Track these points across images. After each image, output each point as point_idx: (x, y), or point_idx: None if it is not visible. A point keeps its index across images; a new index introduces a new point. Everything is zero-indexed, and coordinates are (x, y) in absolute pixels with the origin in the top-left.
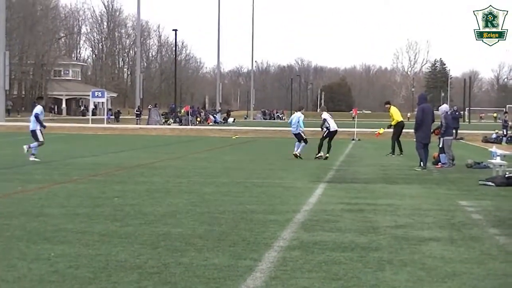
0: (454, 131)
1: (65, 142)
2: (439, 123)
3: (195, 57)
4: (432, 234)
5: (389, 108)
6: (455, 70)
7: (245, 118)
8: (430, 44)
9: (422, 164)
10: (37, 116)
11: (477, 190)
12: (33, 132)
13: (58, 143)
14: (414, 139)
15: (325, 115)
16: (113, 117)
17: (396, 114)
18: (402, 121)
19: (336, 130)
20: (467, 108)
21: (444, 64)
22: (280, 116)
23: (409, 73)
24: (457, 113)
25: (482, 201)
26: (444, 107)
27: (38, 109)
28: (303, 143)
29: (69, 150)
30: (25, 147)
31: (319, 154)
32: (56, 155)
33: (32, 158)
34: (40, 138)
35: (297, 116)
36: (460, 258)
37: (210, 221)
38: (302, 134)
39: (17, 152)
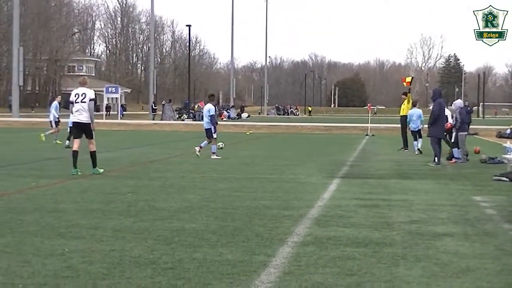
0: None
1: None
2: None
3: (209, 52)
4: (446, 229)
5: (405, 99)
6: (469, 65)
7: (259, 114)
8: (444, 39)
9: (436, 160)
10: (212, 116)
11: (491, 186)
12: (208, 130)
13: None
14: (427, 135)
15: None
16: (125, 112)
17: (407, 107)
18: (406, 115)
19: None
20: (481, 104)
21: (458, 60)
22: (294, 111)
23: (423, 68)
24: (468, 108)
25: (496, 197)
26: (459, 102)
27: (212, 109)
28: (420, 140)
29: (83, 146)
30: (196, 148)
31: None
32: (70, 150)
33: (214, 157)
34: (215, 136)
35: (418, 113)
36: (474, 254)
37: (224, 216)
38: (422, 132)
39: (31, 147)
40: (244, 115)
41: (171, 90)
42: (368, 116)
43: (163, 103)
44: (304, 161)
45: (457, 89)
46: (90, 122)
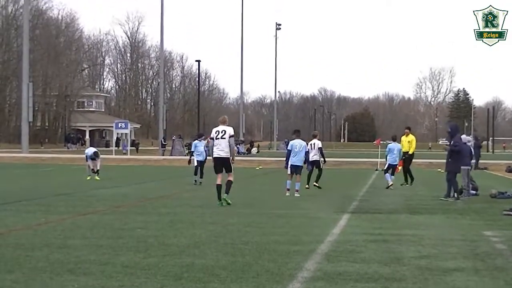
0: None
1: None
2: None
3: (219, 87)
4: (456, 264)
5: (408, 134)
6: (479, 100)
7: (269, 149)
8: (454, 73)
9: (455, 195)
10: (308, 152)
11: (501, 220)
12: (301, 168)
13: (81, 174)
14: (445, 169)
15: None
16: (133, 147)
17: (414, 144)
18: (406, 151)
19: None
20: (490, 138)
21: (468, 94)
22: None
23: (432, 103)
24: (471, 142)
25: (507, 231)
26: (463, 137)
27: (305, 145)
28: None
29: (92, 181)
30: (296, 194)
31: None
32: (79, 186)
33: (297, 194)
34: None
35: (398, 147)
36: None
37: (234, 252)
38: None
39: (38, 183)
40: (254, 150)
41: (180, 125)
42: (378, 151)
43: (173, 138)
44: (313, 196)
45: (466, 124)
46: (229, 156)
